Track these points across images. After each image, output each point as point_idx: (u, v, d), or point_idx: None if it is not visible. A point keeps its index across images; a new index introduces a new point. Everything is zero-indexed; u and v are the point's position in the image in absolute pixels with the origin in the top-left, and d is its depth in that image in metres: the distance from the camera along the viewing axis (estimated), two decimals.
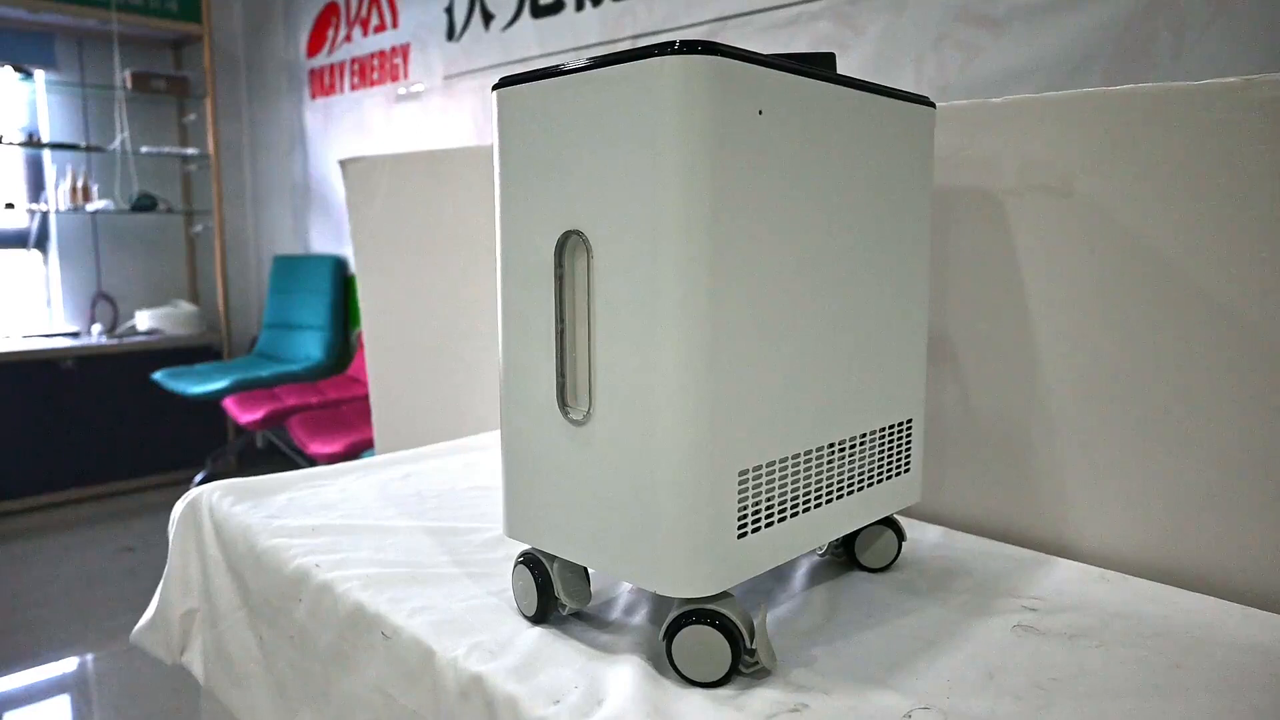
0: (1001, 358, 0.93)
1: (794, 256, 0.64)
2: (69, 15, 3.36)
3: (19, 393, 3.26)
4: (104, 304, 3.79)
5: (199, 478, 3.49)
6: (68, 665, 2.13)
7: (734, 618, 0.61)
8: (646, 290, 0.59)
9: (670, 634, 0.62)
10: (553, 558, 0.70)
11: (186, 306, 3.83)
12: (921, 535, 0.93)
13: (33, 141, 3.47)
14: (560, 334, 0.65)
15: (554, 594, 0.70)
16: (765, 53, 0.61)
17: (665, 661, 0.63)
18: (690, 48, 0.56)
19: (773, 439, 0.64)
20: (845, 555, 0.84)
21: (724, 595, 0.63)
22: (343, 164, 1.76)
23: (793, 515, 0.67)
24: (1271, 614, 0.73)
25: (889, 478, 0.78)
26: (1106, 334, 0.86)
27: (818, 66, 0.66)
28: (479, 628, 0.71)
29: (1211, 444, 0.81)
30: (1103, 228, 0.85)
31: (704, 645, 0.61)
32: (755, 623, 0.62)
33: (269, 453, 3.99)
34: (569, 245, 0.64)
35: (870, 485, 0.76)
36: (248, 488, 1.04)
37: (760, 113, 0.60)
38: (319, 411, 2.96)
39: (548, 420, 0.67)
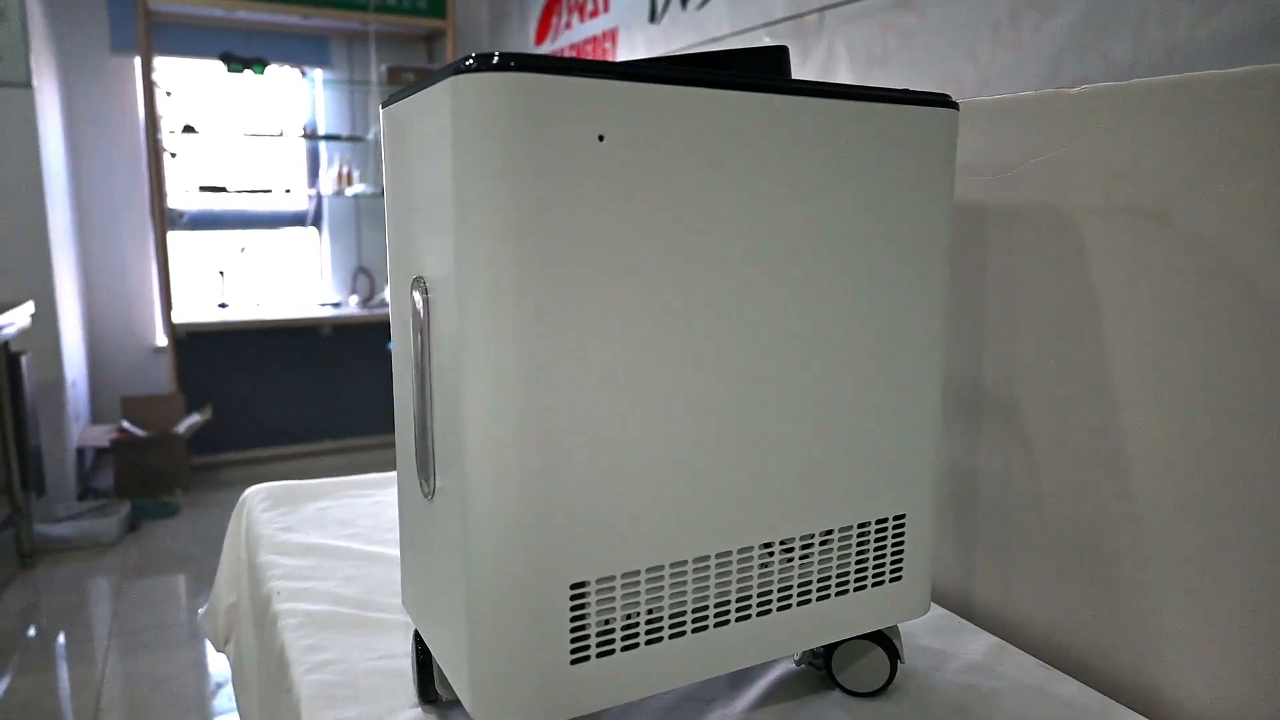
0: (1079, 429, 0.70)
1: (676, 313, 0.50)
2: (334, 19, 3.74)
3: (286, 355, 3.75)
4: (363, 277, 4.24)
5: None
6: None
7: None
8: (457, 352, 0.49)
9: None
10: None
11: None
12: (963, 647, 0.73)
13: (307, 134, 3.93)
14: (422, 391, 0.57)
15: (433, 677, 0.63)
16: (621, 60, 0.48)
17: None
18: (504, 63, 0.45)
19: (634, 545, 0.51)
20: (826, 670, 0.68)
21: None
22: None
23: (675, 636, 0.54)
24: None
25: (865, 588, 0.61)
26: (1221, 410, 0.61)
27: (732, 71, 0.51)
28: (362, 698, 0.65)
29: None
30: (1214, 264, 0.59)
31: None
32: None
33: None
34: (426, 291, 0.55)
35: (830, 596, 0.60)
36: (288, 492, 1.06)
37: (601, 138, 0.47)
38: None
39: (413, 487, 0.59)
